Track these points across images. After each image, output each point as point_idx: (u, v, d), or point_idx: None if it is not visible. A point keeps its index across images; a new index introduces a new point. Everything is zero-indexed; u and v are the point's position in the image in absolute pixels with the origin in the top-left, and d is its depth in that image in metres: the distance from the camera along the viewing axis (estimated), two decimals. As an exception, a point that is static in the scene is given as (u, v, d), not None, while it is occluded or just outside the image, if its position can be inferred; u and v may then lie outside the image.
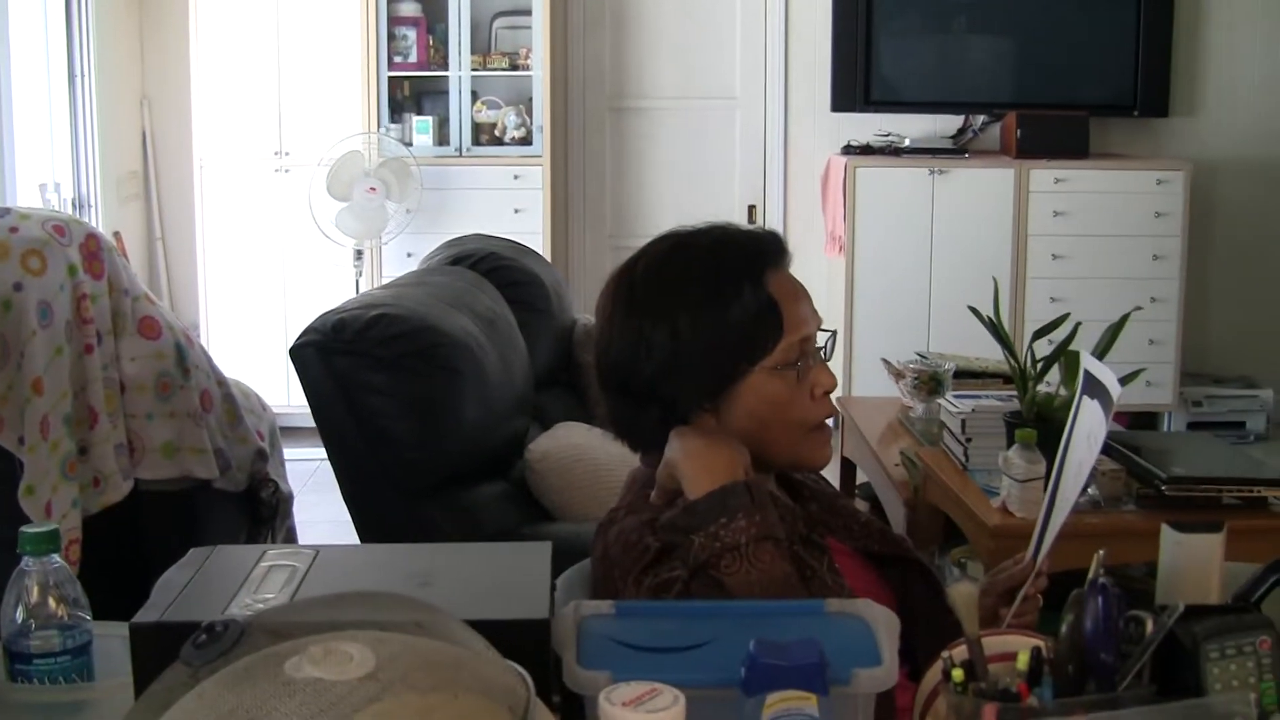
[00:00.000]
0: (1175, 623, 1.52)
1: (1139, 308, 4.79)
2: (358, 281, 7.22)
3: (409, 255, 7.20)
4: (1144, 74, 7.77)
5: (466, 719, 1.24)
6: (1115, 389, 2.07)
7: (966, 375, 5.29)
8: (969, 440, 4.41)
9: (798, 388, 2.24)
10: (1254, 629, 1.51)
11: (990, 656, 1.58)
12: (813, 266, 7.86)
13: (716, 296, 2.20)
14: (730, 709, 1.48)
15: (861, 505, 5.63)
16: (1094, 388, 2.20)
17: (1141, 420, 7.74)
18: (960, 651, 1.59)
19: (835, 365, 6.98)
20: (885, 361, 5.53)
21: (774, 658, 1.48)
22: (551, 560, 1.79)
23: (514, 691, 1.30)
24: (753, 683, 1.48)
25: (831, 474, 6.19)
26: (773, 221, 7.92)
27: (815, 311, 2.30)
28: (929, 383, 5.16)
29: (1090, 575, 1.54)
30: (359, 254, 7.30)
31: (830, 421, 2.36)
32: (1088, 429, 2.19)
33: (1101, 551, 1.59)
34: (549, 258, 7.16)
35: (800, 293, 2.29)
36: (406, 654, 1.28)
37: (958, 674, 1.52)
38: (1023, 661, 1.52)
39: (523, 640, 1.49)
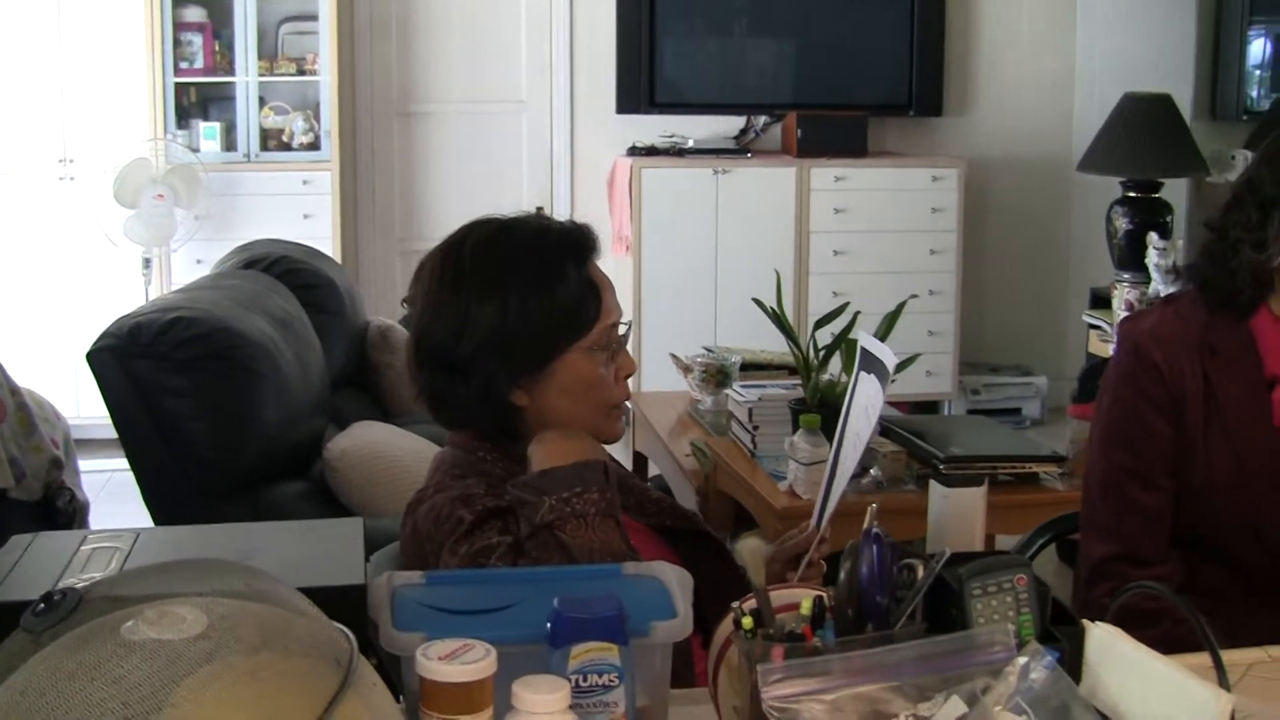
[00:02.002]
0: (943, 567, 1.66)
1: (914, 296, 5.01)
2: (147, 289, 7.17)
3: (199, 262, 7.16)
4: (919, 75, 8.03)
5: (295, 674, 1.33)
6: (891, 361, 2.23)
7: (752, 367, 5.42)
8: (756, 428, 4.56)
9: (606, 369, 2.38)
10: (1011, 568, 1.66)
11: (777, 607, 1.71)
12: (602, 266, 7.98)
13: (545, 276, 2.33)
14: (539, 661, 1.59)
15: (654, 497, 5.77)
16: (870, 364, 2.35)
17: (922, 408, 7.96)
18: (750, 603, 1.71)
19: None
20: (673, 356, 5.65)
21: (577, 611, 1.60)
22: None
23: (339, 648, 1.39)
24: (558, 636, 1.60)
25: (624, 466, 6.32)
26: (561, 222, 8.02)
27: (619, 304, 2.44)
28: (716, 375, 5.28)
29: (865, 526, 1.68)
30: (148, 262, 7.25)
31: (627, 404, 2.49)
32: (865, 402, 2.33)
33: (874, 505, 1.73)
34: (339, 262, 7.20)
35: (608, 282, 2.44)
36: (237, 615, 1.36)
37: (747, 622, 1.64)
38: (806, 608, 1.66)
39: (341, 605, 1.58)
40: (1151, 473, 2.69)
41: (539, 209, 7.89)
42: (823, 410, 4.17)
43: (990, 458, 4.27)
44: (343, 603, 1.60)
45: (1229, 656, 2.22)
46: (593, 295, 2.35)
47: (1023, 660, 1.55)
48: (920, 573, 1.66)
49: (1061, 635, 1.69)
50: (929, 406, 8.02)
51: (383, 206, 8.01)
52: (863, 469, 4.29)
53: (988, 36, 8.36)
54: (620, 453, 6.56)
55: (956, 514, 2.02)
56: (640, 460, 5.96)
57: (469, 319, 2.29)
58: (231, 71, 7.56)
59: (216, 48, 7.55)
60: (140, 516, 4.08)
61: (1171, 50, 7.99)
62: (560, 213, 7.96)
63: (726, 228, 7.55)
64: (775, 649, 1.57)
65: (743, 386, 4.83)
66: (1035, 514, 3.65)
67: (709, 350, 5.61)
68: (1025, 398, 8.18)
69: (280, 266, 4.99)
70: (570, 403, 2.34)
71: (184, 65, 7.50)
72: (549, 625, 1.60)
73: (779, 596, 1.75)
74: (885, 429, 4.47)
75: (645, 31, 7.70)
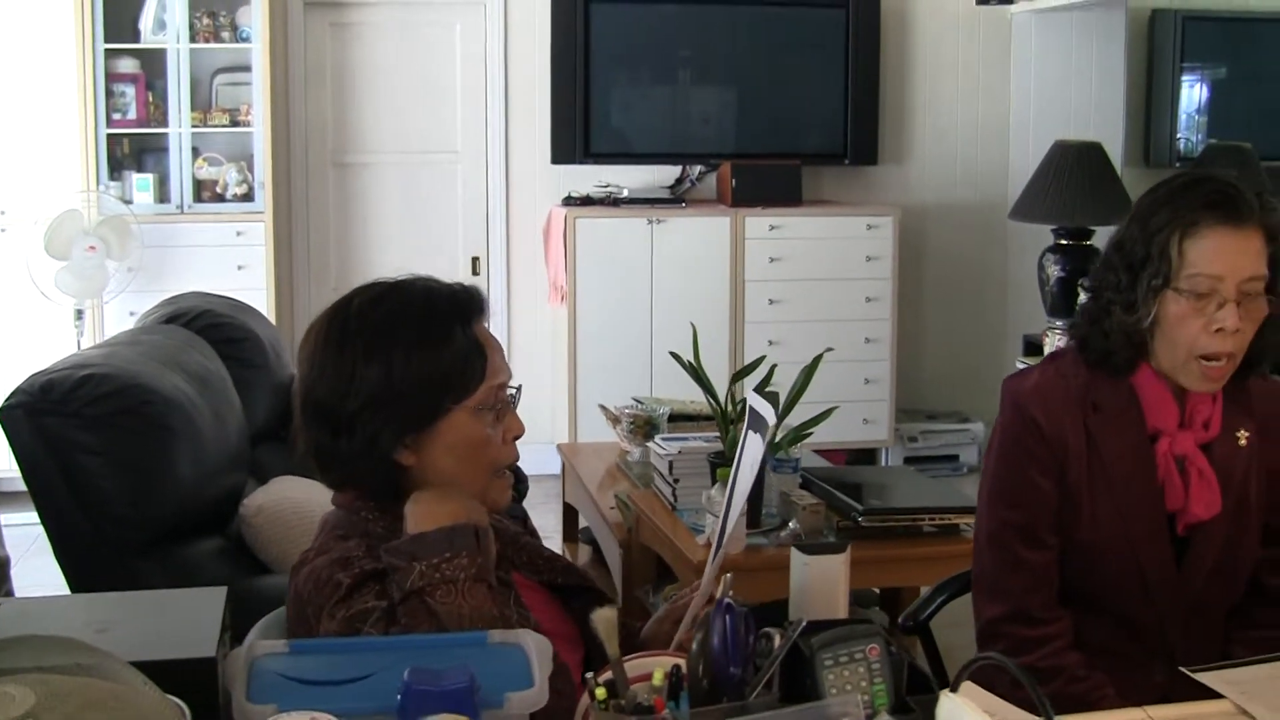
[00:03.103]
0: (798, 636, 1.65)
1: (830, 349, 4.99)
2: (79, 341, 7.13)
3: (131, 314, 7.09)
4: (854, 124, 8.07)
5: (125, 751, 1.32)
6: (771, 417, 2.23)
7: (682, 418, 5.40)
8: (676, 481, 4.55)
9: (493, 430, 2.37)
10: (864, 638, 1.66)
11: (635, 676, 1.70)
12: (537, 316, 8.00)
13: (430, 335, 2.33)
14: (390, 735, 1.58)
15: (584, 550, 5.76)
16: (757, 422, 2.35)
17: (860, 457, 8.00)
18: (606, 674, 1.70)
19: (559, 412, 7.02)
20: (602, 407, 5.65)
21: (426, 684, 1.59)
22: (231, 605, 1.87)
23: (170, 723, 1.38)
24: (408, 709, 1.58)
25: (554, 519, 6.31)
26: (496, 272, 8.04)
27: (507, 365, 2.44)
28: (644, 427, 5.27)
29: (718, 596, 1.67)
30: (80, 313, 7.22)
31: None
32: (751, 460, 2.33)
33: (729, 575, 1.72)
34: (274, 313, 7.17)
35: (496, 344, 2.45)
36: (66, 692, 1.35)
37: (600, 692, 1.63)
38: (658, 678, 1.65)
39: (190, 678, 1.57)
40: (1037, 530, 2.70)
41: (474, 260, 7.99)
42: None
43: (909, 510, 4.29)
44: (192, 675, 1.58)
45: (1111, 717, 2.23)
46: (478, 355, 2.35)
47: (871, 731, 1.55)
48: (777, 641, 1.65)
49: (916, 705, 1.68)
50: (866, 455, 8.04)
51: (317, 257, 7.99)
52: (782, 522, 4.29)
53: (922, 86, 8.42)
54: (550, 505, 6.57)
55: (818, 581, 2.01)
56: (570, 513, 5.96)
57: (354, 377, 2.29)
58: (165, 123, 7.54)
59: (150, 99, 7.54)
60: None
61: (1104, 97, 8.04)
62: (496, 263, 8.00)
63: (661, 277, 7.56)
64: (625, 721, 1.56)
65: (664, 439, 4.83)
66: (955, 565, 3.63)
67: (638, 401, 5.61)
68: (962, 444, 8.21)
69: (202, 321, 4.96)
70: (455, 462, 2.34)
71: (117, 116, 7.49)
72: (399, 697, 1.59)
73: (640, 664, 1.74)
74: (806, 481, 4.47)
75: (580, 82, 7.72)
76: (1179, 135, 8.31)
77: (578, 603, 2.52)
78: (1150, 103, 8.21)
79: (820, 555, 2.04)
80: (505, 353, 2.45)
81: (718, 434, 4.60)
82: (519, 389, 2.49)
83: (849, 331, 7.72)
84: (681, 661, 1.70)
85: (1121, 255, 2.66)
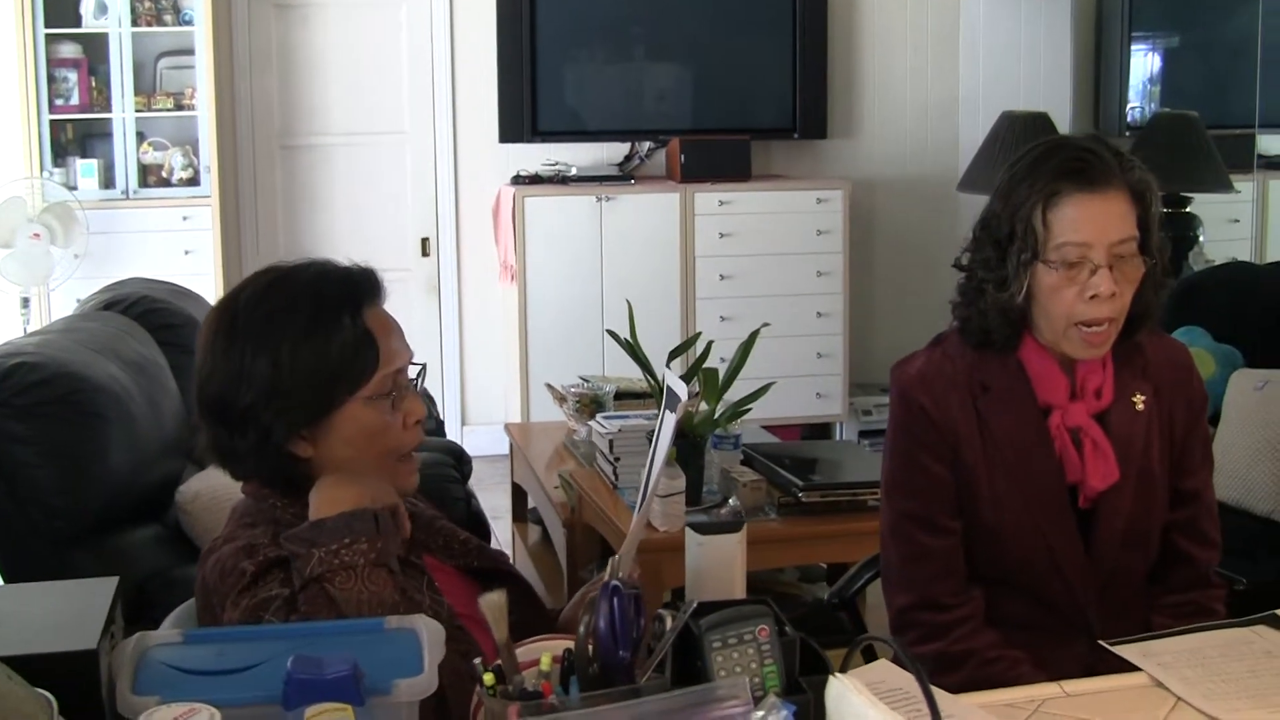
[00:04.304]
0: (689, 618, 1.63)
1: (767, 324, 4.99)
2: (25, 328, 7.08)
3: (79, 301, 7.07)
4: (802, 98, 8.03)
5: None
6: (683, 393, 2.20)
7: (629, 396, 5.39)
8: (617, 459, 4.54)
9: (392, 417, 2.33)
10: (753, 619, 1.63)
11: (527, 662, 1.68)
12: (487, 296, 7.97)
13: (318, 328, 2.29)
14: (276, 724, 1.56)
15: (534, 530, 5.75)
16: (672, 400, 2.33)
17: (815, 431, 8.01)
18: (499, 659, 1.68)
19: (511, 392, 6.99)
20: (549, 386, 5.63)
21: (309, 672, 1.56)
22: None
23: (35, 717, 1.35)
24: (290, 697, 1.56)
25: (503, 500, 6.29)
26: (446, 252, 8.00)
27: (407, 345, 2.41)
28: (590, 405, 5.26)
29: (605, 579, 1.65)
30: (25, 301, 7.17)
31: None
32: (666, 438, 2.30)
33: (616, 556, 1.70)
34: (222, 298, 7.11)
35: (393, 327, 2.39)
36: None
37: (489, 678, 1.61)
38: (545, 663, 1.62)
39: (68, 671, 1.54)
40: (936, 517, 2.68)
41: (424, 240, 7.96)
42: (680, 441, 4.15)
43: (850, 485, 4.27)
44: (70, 669, 1.56)
45: (1026, 692, 2.22)
46: (368, 345, 2.30)
47: (759, 714, 1.53)
48: (669, 623, 1.63)
49: (809, 685, 1.66)
50: (821, 429, 8.04)
51: (266, 241, 7.94)
52: (723, 499, 4.27)
53: (871, 59, 8.40)
54: (502, 485, 6.55)
55: (713, 562, 1.98)
56: (520, 493, 5.94)
57: (245, 371, 2.26)
58: (108, 108, 7.48)
59: (93, 84, 7.48)
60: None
61: (1054, 69, 8.04)
62: (446, 243, 7.97)
63: (612, 255, 7.53)
64: (511, 707, 1.54)
65: (605, 418, 4.81)
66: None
67: (585, 380, 5.58)
68: (916, 417, 8.18)
69: (140, 307, 4.92)
70: (354, 453, 2.30)
71: (59, 102, 7.43)
72: (283, 686, 1.57)
73: (534, 649, 1.72)
74: (748, 458, 4.46)
75: (526, 60, 7.68)
76: (1132, 105, 8.32)
77: (494, 587, 2.49)
78: (1099, 73, 8.22)
79: (715, 535, 2.02)
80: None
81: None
82: (423, 368, 2.46)
83: (801, 306, 7.71)
84: (572, 645, 1.68)
85: (989, 233, 2.64)
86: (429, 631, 1.74)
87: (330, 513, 2.16)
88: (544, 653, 1.65)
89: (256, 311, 2.31)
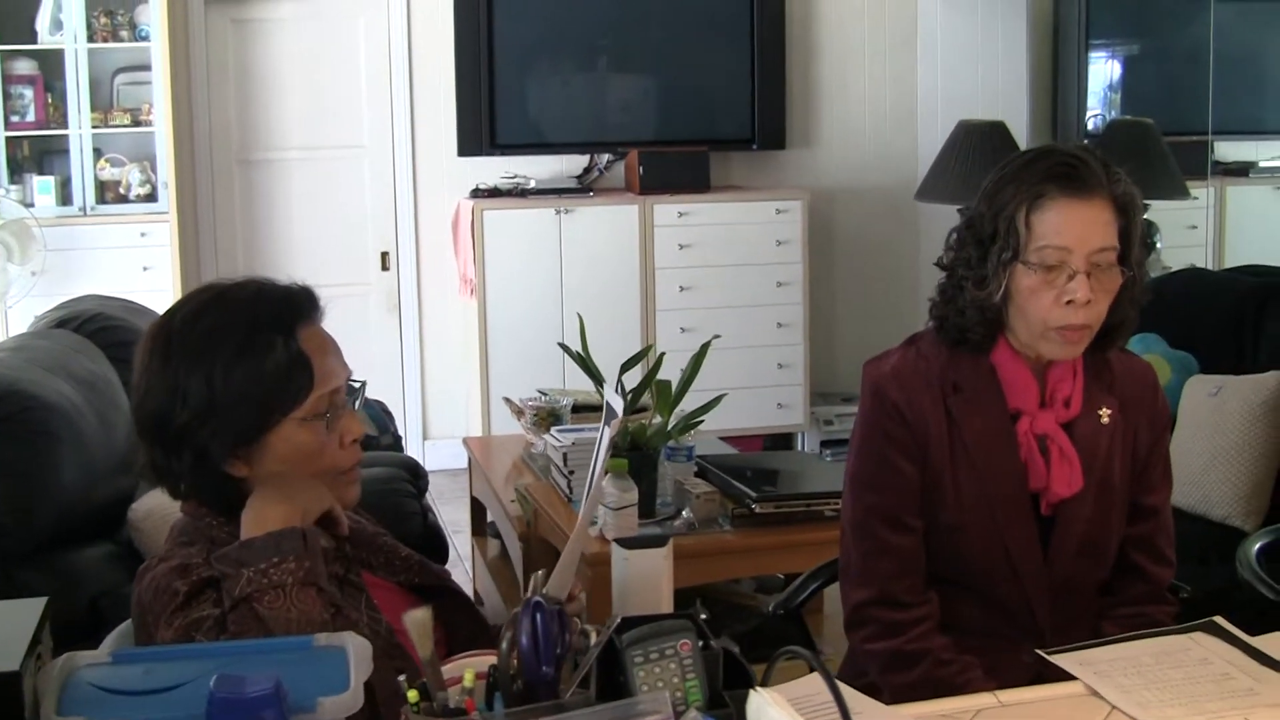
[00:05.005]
0: (613, 632, 1.63)
1: (718, 336, 5.00)
2: (-17, 347, 7.06)
3: (36, 318, 7.05)
4: (761, 109, 8.04)
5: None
6: (619, 409, 2.21)
7: (586, 409, 5.38)
8: (571, 473, 4.54)
9: (328, 437, 2.33)
10: (675, 634, 1.64)
11: (453, 679, 1.68)
12: (447, 309, 7.96)
13: (250, 349, 2.28)
14: (199, 744, 1.55)
15: (493, 544, 5.73)
16: (610, 415, 2.34)
17: (777, 442, 8.01)
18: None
19: (472, 405, 6.96)
20: (506, 400, 5.62)
21: (230, 691, 1.56)
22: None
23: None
24: (214, 717, 1.56)
25: (462, 514, 6.28)
26: (406, 266, 8.00)
27: (344, 364, 2.40)
28: (547, 419, 5.24)
29: (526, 595, 1.65)
30: (-17, 319, 7.16)
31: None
32: (603, 454, 2.31)
33: (540, 572, 1.70)
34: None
35: (330, 346, 2.38)
36: None
37: (412, 695, 1.61)
38: (469, 680, 1.62)
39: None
40: (901, 514, 2.69)
41: (384, 255, 7.95)
42: (633, 454, 4.15)
43: (804, 495, 4.28)
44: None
45: (962, 702, 2.23)
46: (303, 366, 2.29)
47: (679, 727, 1.53)
48: (594, 638, 1.63)
49: (733, 700, 1.67)
50: (783, 439, 8.04)
51: (225, 256, 7.91)
52: (676, 511, 4.28)
53: (829, 69, 8.42)
54: (462, 499, 6.53)
55: (639, 576, 1.99)
56: (479, 507, 5.92)
57: (179, 392, 2.25)
58: (65, 124, 7.47)
59: (49, 100, 7.48)
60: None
61: (1011, 77, 8.07)
62: (405, 257, 7.96)
63: (571, 267, 7.53)
64: (433, 725, 1.54)
65: (560, 431, 4.81)
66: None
67: (542, 393, 5.58)
68: (878, 426, 8.19)
69: (93, 324, 4.91)
70: (290, 472, 2.30)
71: (15, 119, 7.43)
72: (206, 706, 1.57)
73: (462, 665, 1.72)
74: (702, 469, 4.46)
75: (484, 74, 7.66)
76: (1094, 112, 8.36)
77: (436, 602, 2.49)
78: (1057, 81, 8.26)
79: (640, 550, 2.02)
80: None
81: (614, 424, 4.57)
82: (362, 385, 2.46)
83: (761, 316, 7.72)
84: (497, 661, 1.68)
85: (972, 232, 2.66)
86: (356, 649, 1.74)
87: (258, 532, 2.16)
88: (467, 669, 1.65)
89: (192, 330, 2.30)
